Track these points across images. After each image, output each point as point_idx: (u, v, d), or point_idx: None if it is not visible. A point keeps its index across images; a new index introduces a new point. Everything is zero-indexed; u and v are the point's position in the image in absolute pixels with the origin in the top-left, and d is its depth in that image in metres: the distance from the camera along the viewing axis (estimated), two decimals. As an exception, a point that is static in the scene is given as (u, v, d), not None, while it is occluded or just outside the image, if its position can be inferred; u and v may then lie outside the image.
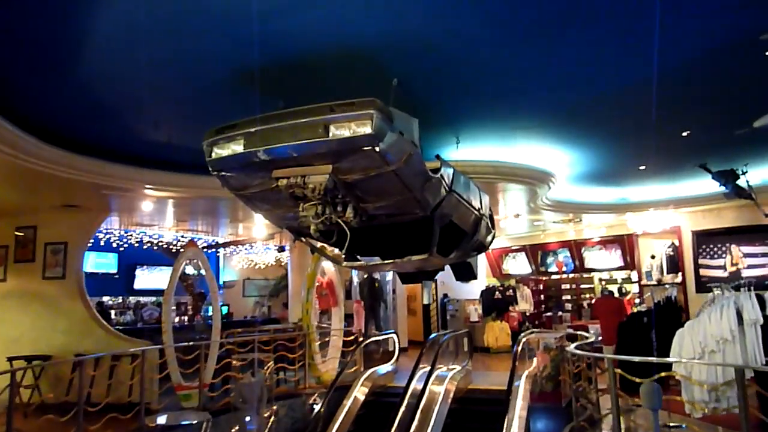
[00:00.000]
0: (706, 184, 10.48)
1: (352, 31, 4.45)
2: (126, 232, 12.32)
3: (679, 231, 12.25)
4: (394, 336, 12.14)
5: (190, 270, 12.91)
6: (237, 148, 4.28)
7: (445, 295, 17.14)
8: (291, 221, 5.16)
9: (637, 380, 5.08)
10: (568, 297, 19.79)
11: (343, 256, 6.04)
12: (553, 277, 18.53)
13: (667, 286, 7.86)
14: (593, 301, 18.11)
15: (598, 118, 6.67)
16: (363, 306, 12.38)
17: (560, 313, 15.08)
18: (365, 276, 13.69)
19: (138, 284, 15.71)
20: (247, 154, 4.18)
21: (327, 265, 11.64)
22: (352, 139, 3.84)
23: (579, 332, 8.26)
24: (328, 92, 4.07)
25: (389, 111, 3.93)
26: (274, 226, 5.46)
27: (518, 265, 16.85)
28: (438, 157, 5.26)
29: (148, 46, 4.49)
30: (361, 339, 11.39)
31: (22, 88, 5.26)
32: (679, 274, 12.17)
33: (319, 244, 5.95)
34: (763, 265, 11.28)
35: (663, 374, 5.01)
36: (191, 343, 8.68)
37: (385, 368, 10.97)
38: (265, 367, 9.02)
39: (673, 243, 12.53)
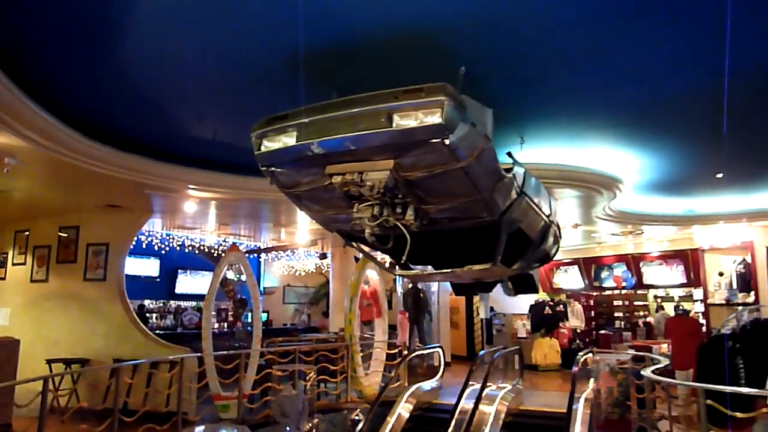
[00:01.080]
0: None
1: (416, 11, 3.98)
2: (168, 235, 12.17)
3: (751, 246, 11.31)
4: (440, 350, 11.57)
5: (230, 275, 12.66)
6: (289, 140, 3.86)
7: (491, 309, 16.44)
8: (343, 224, 4.72)
9: (731, 413, 4.41)
10: (620, 314, 18.84)
11: (397, 264, 5.59)
12: (605, 293, 17.63)
13: (756, 307, 7.09)
14: (648, 319, 17.22)
15: (677, 117, 6.01)
16: (407, 317, 11.84)
17: (621, 332, 14.16)
18: (410, 285, 13.18)
19: (179, 288, 15.58)
20: (300, 146, 3.76)
21: (371, 274, 11.19)
22: (419, 130, 3.37)
23: (646, 353, 7.51)
24: (386, 82, 3.59)
25: (461, 99, 3.44)
26: (324, 229, 5.00)
27: (570, 280, 16.03)
28: (510, 154, 4.75)
29: (194, 28, 4.12)
30: (405, 352, 10.87)
31: (63, 79, 4.99)
32: (752, 293, 11.22)
33: (369, 250, 5.52)
34: None
35: None
36: (231, 351, 8.34)
37: (429, 384, 10.41)
38: (307, 379, 8.59)
39: (744, 259, 11.57)
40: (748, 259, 11.44)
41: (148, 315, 12.93)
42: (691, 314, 14.61)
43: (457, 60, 4.17)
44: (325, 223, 4.90)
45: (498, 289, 16.56)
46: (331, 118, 3.67)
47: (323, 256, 13.89)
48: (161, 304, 15.07)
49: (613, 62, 4.70)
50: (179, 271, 15.65)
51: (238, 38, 4.30)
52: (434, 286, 14.14)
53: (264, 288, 18.57)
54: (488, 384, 8.99)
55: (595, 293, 16.74)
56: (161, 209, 9.13)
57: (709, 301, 12.11)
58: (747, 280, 11.36)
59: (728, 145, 7.00)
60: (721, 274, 12.03)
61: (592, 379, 8.16)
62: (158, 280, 14.96)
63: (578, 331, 16.20)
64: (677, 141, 6.83)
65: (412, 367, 11.20)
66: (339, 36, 4.32)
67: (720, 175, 8.24)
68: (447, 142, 3.37)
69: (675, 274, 13.17)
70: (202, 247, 12.81)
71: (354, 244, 5.27)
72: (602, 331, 14.99)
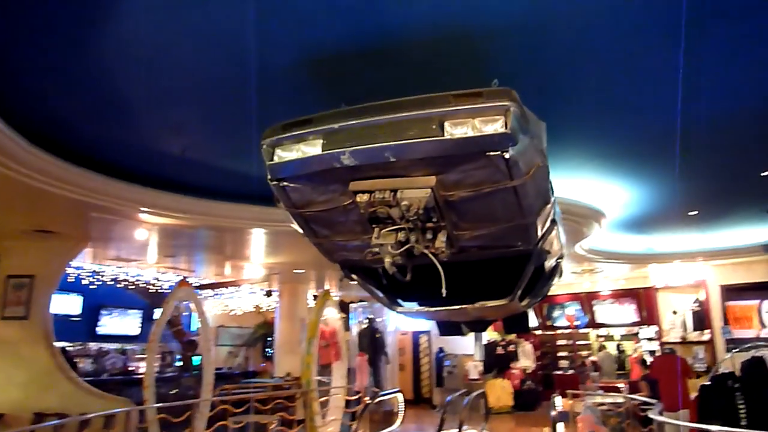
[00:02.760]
0: (742, 235, 9.93)
1: (447, 11, 3.50)
2: (95, 269, 10.82)
3: (705, 285, 11.52)
4: (399, 395, 10.87)
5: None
6: (311, 150, 3.18)
7: (441, 350, 15.92)
8: (351, 252, 4.04)
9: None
10: (565, 353, 18.90)
11: (393, 299, 4.94)
12: (548, 332, 17.64)
13: (755, 345, 6.99)
14: (592, 359, 17.30)
15: (668, 151, 5.81)
16: (368, 360, 11.08)
17: (587, 372, 13.98)
18: (365, 325, 12.46)
19: (102, 329, 13.97)
20: (326, 157, 3.09)
21: (330, 313, 10.39)
22: (477, 140, 2.81)
23: (638, 397, 7.18)
24: (402, 92, 3.05)
25: (524, 107, 2.95)
26: (325, 257, 4.28)
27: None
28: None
29: (176, 13, 3.42)
30: (366, 398, 10.07)
31: (7, 71, 4.05)
32: (706, 331, 11.37)
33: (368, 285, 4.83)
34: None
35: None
36: (179, 402, 7.24)
37: (390, 432, 9.72)
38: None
39: (697, 298, 11.77)
40: (701, 298, 11.63)
41: (72, 360, 11.32)
42: (637, 353, 14.78)
43: (487, 70, 3.72)
44: (329, 251, 4.19)
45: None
46: (369, 123, 3.05)
47: (269, 294, 12.88)
48: (80, 347, 13.40)
49: (614, 94, 4.51)
50: (102, 310, 14.08)
51: (231, 33, 3.63)
52: (390, 325, 13.48)
53: (196, 329, 17.16)
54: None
55: (537, 333, 16.69)
56: (101, 236, 7.97)
57: (663, 339, 12.16)
58: (701, 318, 11.52)
59: (706, 184, 7.03)
60: (674, 313, 12.17)
61: (580, 424, 7.73)
62: (79, 319, 13.35)
63: (528, 371, 15.97)
64: (664, 176, 6.72)
65: (371, 413, 10.43)
66: (358, 36, 3.75)
67: (694, 213, 8.27)
68: (507, 155, 2.84)
69: (627, 312, 13.25)
70: (136, 283, 11.49)
71: (354, 277, 4.59)
72: (557, 372, 14.79)
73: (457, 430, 8.56)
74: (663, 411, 7.24)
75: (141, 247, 8.87)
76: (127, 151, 5.59)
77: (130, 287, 11.76)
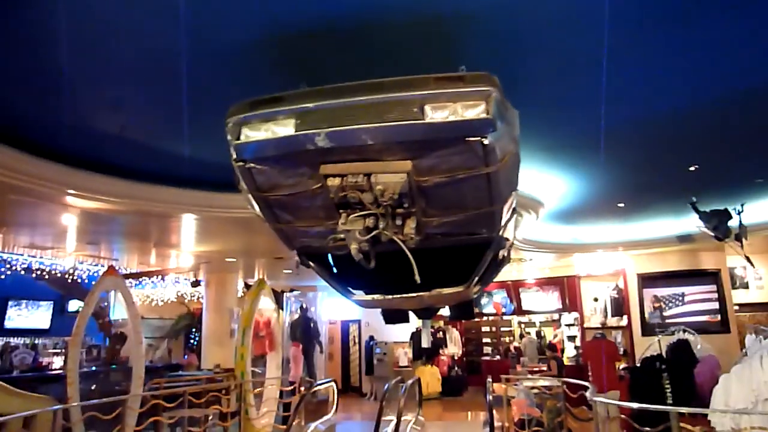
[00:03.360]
0: (656, 226, 10.60)
1: None
2: (5, 258, 9.94)
3: (624, 273, 12.22)
4: (333, 384, 10.79)
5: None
6: (282, 129, 3.01)
7: (371, 338, 15.99)
8: (314, 239, 3.91)
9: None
10: (488, 340, 19.54)
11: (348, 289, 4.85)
12: (474, 319, 18.20)
13: (678, 330, 7.45)
14: (515, 344, 17.97)
15: (628, 142, 6.06)
16: (301, 350, 10.89)
17: (518, 357, 14.45)
18: (297, 315, 12.25)
19: (9, 323, 12.89)
20: (300, 138, 2.93)
21: (265, 304, 10.13)
22: (457, 125, 2.77)
23: (571, 380, 7.49)
24: (369, 74, 2.97)
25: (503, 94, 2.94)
26: (284, 244, 4.10)
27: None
28: None
29: None
30: (303, 389, 9.92)
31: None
32: (624, 317, 12.09)
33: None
34: (702, 311, 11.51)
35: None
36: (107, 400, 6.75)
37: (326, 422, 9.63)
38: (202, 425, 7.32)
39: (617, 285, 12.48)
40: (621, 285, 12.34)
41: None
42: (558, 339, 15.52)
43: (456, 55, 3.67)
44: (290, 237, 4.02)
45: (377, 317, 16.17)
46: (347, 104, 2.92)
47: (196, 284, 12.37)
48: (-15, 342, 12.32)
49: (558, 88, 4.62)
50: (10, 301, 12.99)
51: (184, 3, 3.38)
52: (323, 316, 13.34)
53: (114, 320, 16.22)
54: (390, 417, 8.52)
55: (463, 320, 17.10)
56: (16, 221, 7.29)
57: (585, 325, 12.81)
58: (620, 305, 12.23)
59: (636, 177, 7.43)
60: (595, 300, 12.84)
61: (515, 407, 7.98)
62: (-18, 312, 12.26)
63: (455, 357, 16.37)
64: (599, 169, 7.02)
65: (305, 404, 10.29)
66: (324, 14, 3.60)
67: (621, 205, 8.71)
68: (486, 141, 2.84)
69: (551, 299, 13.84)
70: (51, 273, 10.65)
71: (312, 264, 4.46)
72: (485, 358, 15.22)
73: (395, 417, 8.61)
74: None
75: (60, 234, 8.21)
76: (55, 129, 5.11)
77: (42, 277, 10.89)
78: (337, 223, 3.40)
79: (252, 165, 3.19)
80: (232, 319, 12.55)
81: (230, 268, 12.43)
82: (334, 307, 16.33)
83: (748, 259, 8.09)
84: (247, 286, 10.32)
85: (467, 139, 2.83)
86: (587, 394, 5.83)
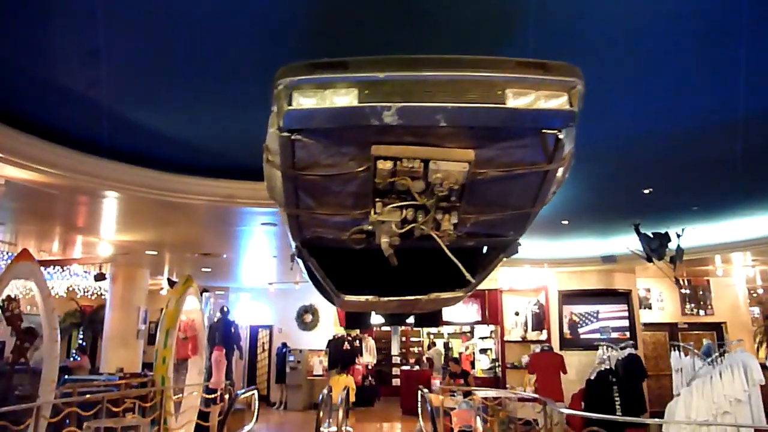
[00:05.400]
0: (583, 246, 11.08)
1: None
2: None
3: (546, 289, 12.66)
4: (256, 392, 10.16)
5: None
6: (343, 99, 2.57)
7: (284, 345, 15.33)
8: (332, 229, 3.49)
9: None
10: (397, 350, 19.59)
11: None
12: (383, 329, 18.21)
13: (626, 344, 7.72)
14: (427, 355, 18.09)
15: (586, 161, 6.17)
16: (224, 354, 10.10)
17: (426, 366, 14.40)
18: (216, 318, 11.39)
19: None
20: (366, 110, 2.53)
21: (191, 303, 9.30)
22: (538, 114, 2.56)
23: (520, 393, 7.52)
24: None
25: None
26: (291, 233, 3.63)
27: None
28: None
29: None
30: (227, 396, 9.19)
31: None
32: (544, 331, 12.52)
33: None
34: (614, 328, 12.22)
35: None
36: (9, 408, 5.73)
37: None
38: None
39: (538, 300, 12.90)
40: (542, 301, 12.78)
41: None
42: (469, 351, 15.80)
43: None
44: (303, 225, 3.53)
45: (291, 322, 15.59)
46: (425, 78, 2.57)
47: (100, 277, 11.11)
48: None
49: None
50: None
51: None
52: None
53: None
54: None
55: (375, 329, 17.02)
56: None
57: (505, 338, 13.11)
58: (540, 319, 12.65)
59: (588, 196, 7.66)
60: (516, 314, 13.20)
61: (455, 419, 7.86)
62: None
63: (369, 367, 16.14)
64: (577, 186, 7.15)
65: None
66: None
67: (566, 222, 8.96)
68: (561, 135, 2.68)
69: (470, 312, 14.01)
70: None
71: (311, 260, 4.00)
72: (404, 368, 15.11)
73: (335, 428, 8.24)
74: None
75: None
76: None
77: None
78: (365, 212, 3.06)
79: (298, 137, 2.73)
80: (139, 319, 11.46)
81: (142, 262, 11.34)
82: (243, 312, 15.52)
83: (677, 280, 8.63)
84: (171, 283, 9.39)
85: (544, 130, 2.64)
86: (554, 408, 5.83)
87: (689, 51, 3.90)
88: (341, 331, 15.37)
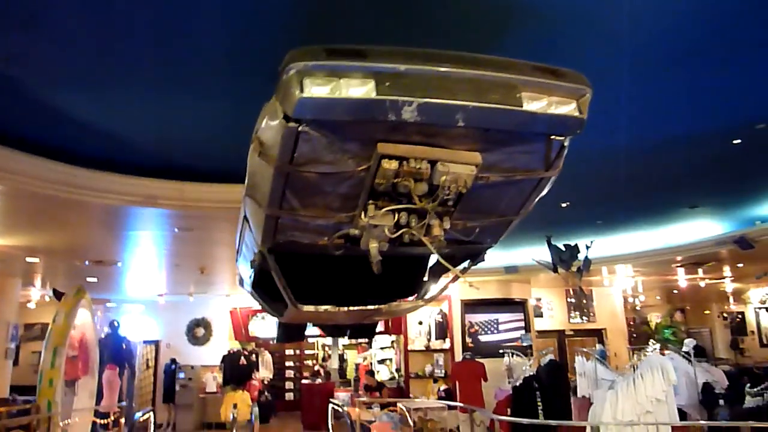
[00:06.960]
0: (488, 257, 11.49)
1: None
2: None
3: (449, 299, 12.94)
4: (152, 414, 9.31)
5: None
6: (359, 90, 2.40)
7: (173, 361, 14.25)
8: (309, 233, 3.24)
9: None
10: (291, 363, 19.08)
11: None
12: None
13: (547, 351, 7.97)
14: (323, 367, 17.74)
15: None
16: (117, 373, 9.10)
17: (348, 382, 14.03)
18: (103, 334, 10.27)
19: None
20: (384, 104, 2.38)
21: (82, 317, 8.31)
22: (551, 119, 2.62)
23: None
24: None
25: None
26: (262, 237, 3.27)
27: (266, 327, 15.23)
28: None
29: None
30: (122, 421, 8.29)
31: None
32: (447, 340, 12.77)
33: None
34: (513, 337, 12.79)
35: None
36: None
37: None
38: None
39: (441, 310, 13.15)
40: (445, 310, 13.06)
41: None
42: (367, 361, 15.74)
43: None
44: (280, 228, 3.23)
45: (180, 337, 14.68)
46: (448, 75, 2.47)
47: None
48: None
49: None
50: None
51: None
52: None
53: None
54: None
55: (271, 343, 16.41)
56: None
57: (409, 348, 13.21)
58: (443, 328, 12.90)
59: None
60: (420, 323, 13.35)
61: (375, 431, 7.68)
62: None
63: (266, 382, 15.50)
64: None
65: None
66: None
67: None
68: (566, 143, 2.78)
69: (373, 322, 13.96)
70: None
71: (276, 268, 3.69)
72: (304, 381, 14.68)
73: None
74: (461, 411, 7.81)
75: None
76: None
77: None
78: (350, 216, 2.92)
79: (306, 129, 2.48)
80: (8, 336, 10.05)
81: (15, 271, 9.96)
82: (130, 325, 14.23)
83: (581, 289, 9.20)
84: (57, 295, 8.32)
85: (552, 136, 2.68)
86: (488, 415, 5.92)
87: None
88: (237, 345, 14.64)
